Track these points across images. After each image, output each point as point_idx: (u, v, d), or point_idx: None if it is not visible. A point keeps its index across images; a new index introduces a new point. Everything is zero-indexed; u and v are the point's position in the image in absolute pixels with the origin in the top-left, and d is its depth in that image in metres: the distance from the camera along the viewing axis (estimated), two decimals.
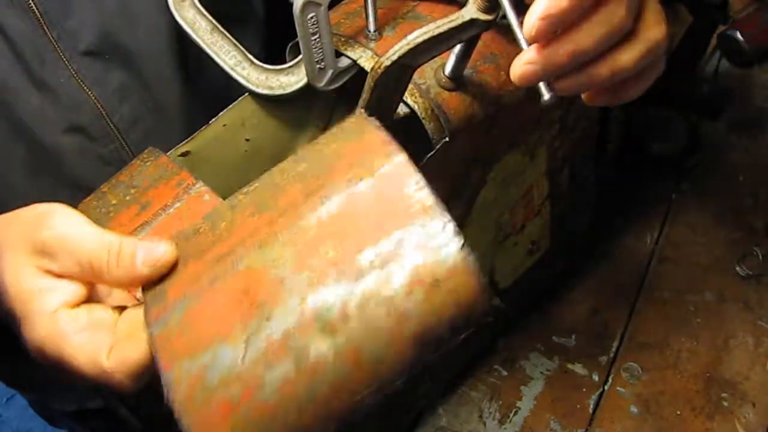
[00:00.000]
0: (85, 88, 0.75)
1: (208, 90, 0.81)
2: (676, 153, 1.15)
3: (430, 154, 0.64)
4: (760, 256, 1.04)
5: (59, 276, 0.49)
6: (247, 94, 0.72)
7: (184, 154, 0.70)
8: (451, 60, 0.62)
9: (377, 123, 0.48)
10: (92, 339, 0.47)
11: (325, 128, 0.81)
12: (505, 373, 1.00)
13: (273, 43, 0.90)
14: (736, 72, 1.26)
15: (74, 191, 0.71)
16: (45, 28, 0.72)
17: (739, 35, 1.21)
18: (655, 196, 1.13)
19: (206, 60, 0.74)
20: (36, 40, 0.72)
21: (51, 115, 0.75)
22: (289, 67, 0.71)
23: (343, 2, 0.71)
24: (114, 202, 0.61)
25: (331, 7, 0.63)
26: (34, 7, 0.71)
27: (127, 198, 0.61)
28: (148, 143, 0.75)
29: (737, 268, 1.04)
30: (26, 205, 0.62)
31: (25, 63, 0.72)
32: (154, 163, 0.63)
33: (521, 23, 0.49)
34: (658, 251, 1.08)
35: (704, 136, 1.18)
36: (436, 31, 0.53)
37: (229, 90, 0.74)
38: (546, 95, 0.51)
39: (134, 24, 0.75)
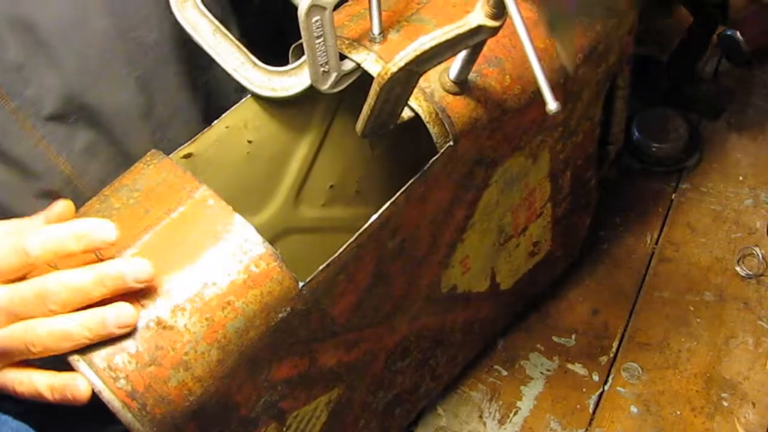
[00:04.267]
0: (53, 153, 0.72)
1: (176, 141, 0.80)
2: (676, 153, 1.15)
3: (434, 158, 0.64)
4: (760, 256, 1.04)
5: None
6: (249, 95, 0.72)
7: (186, 156, 0.70)
8: (455, 64, 0.62)
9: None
10: None
11: (327, 130, 0.81)
12: (505, 373, 1.00)
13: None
14: (736, 72, 1.26)
15: None
16: (4, 99, 0.69)
17: (739, 35, 1.21)
18: (655, 196, 1.14)
19: (174, 110, 0.73)
20: None
21: (19, 185, 0.72)
22: (293, 69, 0.70)
23: (347, 4, 0.71)
24: (117, 205, 0.61)
25: (335, 9, 0.62)
26: None
27: (131, 201, 0.60)
28: None
29: (737, 268, 1.04)
30: None
31: None
32: (157, 166, 0.63)
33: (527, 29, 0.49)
34: (658, 251, 1.08)
35: (704, 136, 1.18)
36: (443, 38, 0.53)
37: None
38: (551, 104, 0.51)
39: (97, 81, 0.73)
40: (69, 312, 0.53)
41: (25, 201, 0.73)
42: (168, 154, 0.65)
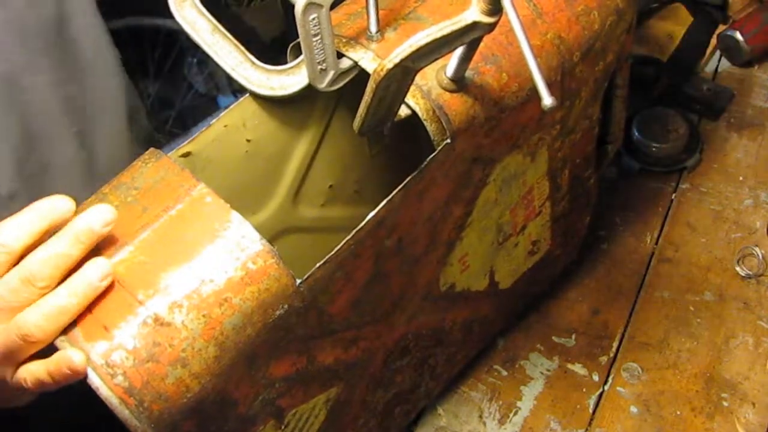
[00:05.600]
0: None
1: None
2: (675, 153, 1.15)
3: (431, 156, 0.64)
4: (760, 256, 1.04)
5: None
6: (248, 94, 0.72)
7: (185, 155, 0.70)
8: (452, 62, 0.62)
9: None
10: None
11: (325, 129, 0.81)
12: (505, 373, 1.00)
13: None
14: (736, 72, 1.26)
15: None
16: None
17: (739, 35, 1.22)
18: (655, 196, 1.14)
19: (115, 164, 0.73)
20: None
21: None
22: (290, 67, 0.71)
23: (344, 3, 0.71)
24: (115, 203, 0.60)
25: (332, 8, 0.63)
26: None
27: (129, 199, 0.60)
28: None
29: (737, 268, 1.04)
30: None
31: None
32: (155, 164, 0.63)
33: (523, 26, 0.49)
34: (658, 251, 1.08)
35: (704, 136, 1.18)
36: (439, 34, 0.53)
37: None
38: (546, 100, 0.51)
39: (41, 143, 0.74)
40: (57, 284, 0.54)
41: None
42: None
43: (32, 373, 0.55)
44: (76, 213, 0.61)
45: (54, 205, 0.55)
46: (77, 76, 0.77)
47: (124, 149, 0.83)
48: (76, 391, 0.55)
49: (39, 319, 0.53)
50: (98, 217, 0.54)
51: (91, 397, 0.54)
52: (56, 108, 0.76)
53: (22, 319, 0.53)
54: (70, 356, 0.53)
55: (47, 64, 0.74)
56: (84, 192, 0.70)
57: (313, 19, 0.62)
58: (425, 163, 0.63)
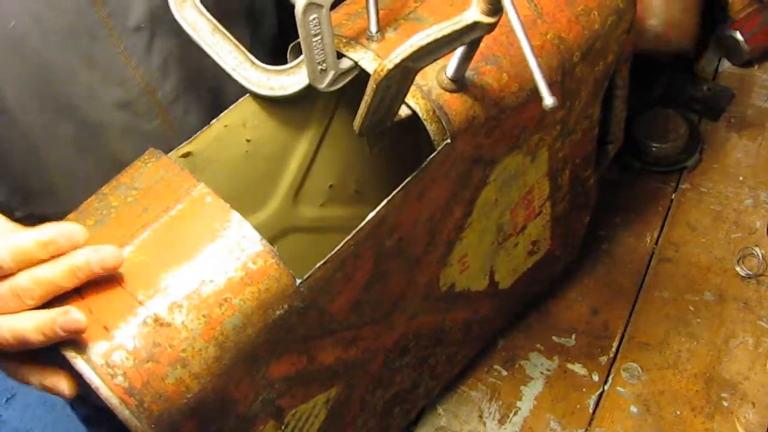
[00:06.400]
0: (133, 64, 0.77)
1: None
2: (676, 153, 1.15)
3: (431, 156, 0.64)
4: (760, 256, 1.04)
5: None
6: (248, 94, 0.72)
7: (185, 155, 0.70)
8: (453, 62, 0.62)
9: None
10: None
11: (325, 129, 0.81)
12: (505, 373, 1.00)
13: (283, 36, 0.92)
14: (736, 72, 1.26)
15: (118, 169, 0.73)
16: (98, 4, 0.72)
17: (739, 35, 1.22)
18: (655, 196, 1.14)
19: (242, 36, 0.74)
20: (89, 17, 0.72)
21: (99, 92, 0.77)
22: (291, 68, 0.71)
23: (344, 3, 0.71)
24: (115, 203, 0.61)
25: (332, 8, 0.63)
26: None
27: (129, 200, 0.60)
28: (189, 118, 0.84)
29: (737, 268, 1.04)
30: (71, 184, 0.77)
31: (76, 40, 0.73)
32: (155, 164, 0.63)
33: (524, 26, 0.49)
34: (658, 251, 1.08)
35: (704, 136, 1.18)
36: (439, 34, 0.53)
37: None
38: (547, 100, 0.51)
39: None
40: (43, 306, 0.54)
41: (102, 108, 0.78)
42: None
43: (14, 327, 0.54)
44: (77, 212, 0.62)
45: (59, 236, 0.54)
46: None
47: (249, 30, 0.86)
48: None
49: (30, 283, 0.53)
50: (99, 257, 0.54)
51: None
52: None
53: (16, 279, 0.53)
54: (72, 314, 0.52)
55: None
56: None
57: (314, 19, 0.62)
58: (425, 163, 0.63)
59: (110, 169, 0.78)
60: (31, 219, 0.80)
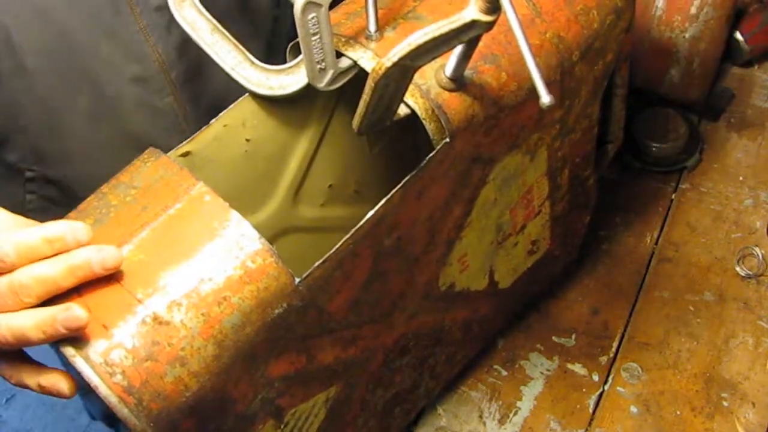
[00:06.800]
0: (152, 42, 0.80)
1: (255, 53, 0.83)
2: (676, 153, 1.15)
3: (430, 155, 0.64)
4: (760, 256, 1.04)
5: None
6: (247, 94, 0.72)
7: (184, 155, 0.70)
8: (451, 61, 0.62)
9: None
10: None
11: (325, 129, 0.81)
12: (505, 373, 1.00)
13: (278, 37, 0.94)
14: (736, 72, 1.26)
15: (129, 141, 0.79)
16: None
17: (739, 35, 1.22)
18: (655, 196, 1.14)
19: (259, 21, 0.78)
20: None
21: (118, 65, 0.80)
22: (290, 67, 0.71)
23: (343, 2, 0.71)
24: (114, 202, 0.61)
25: (331, 7, 0.63)
26: None
27: (128, 199, 0.61)
28: (201, 98, 0.87)
29: (737, 268, 1.04)
30: (84, 151, 0.81)
31: (100, 14, 0.76)
32: (154, 163, 0.63)
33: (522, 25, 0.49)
34: (658, 251, 1.08)
35: (704, 136, 1.18)
36: (438, 33, 0.53)
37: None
38: (545, 98, 0.51)
39: None
40: (42, 304, 0.54)
41: (119, 81, 0.81)
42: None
43: (13, 325, 0.54)
44: (77, 211, 0.62)
45: (66, 233, 0.54)
46: None
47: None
48: None
49: (29, 281, 0.53)
50: (100, 257, 0.54)
51: None
52: None
53: (15, 276, 0.53)
54: (72, 311, 0.52)
55: None
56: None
57: (312, 18, 0.62)
58: (424, 162, 0.63)
59: (122, 139, 0.84)
60: (42, 181, 0.83)
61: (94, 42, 0.78)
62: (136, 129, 0.85)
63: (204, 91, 0.87)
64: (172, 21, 0.77)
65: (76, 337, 0.53)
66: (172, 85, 0.84)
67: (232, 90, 0.72)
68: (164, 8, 0.76)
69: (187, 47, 0.82)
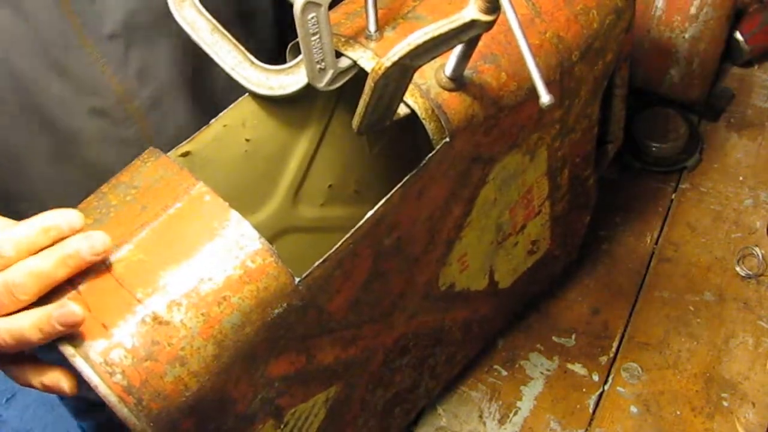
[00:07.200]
0: (108, 72, 0.76)
1: (221, 73, 0.82)
2: (676, 153, 1.15)
3: (430, 155, 0.64)
4: (760, 256, 1.04)
5: None
6: (247, 94, 0.72)
7: (184, 155, 0.70)
8: (451, 60, 0.62)
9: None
10: None
11: (325, 129, 0.81)
12: (505, 373, 1.00)
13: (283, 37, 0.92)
14: (736, 72, 1.26)
15: (96, 175, 0.73)
16: (71, 13, 0.71)
17: (739, 35, 1.22)
18: (655, 196, 1.14)
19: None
20: (61, 27, 0.71)
21: (73, 100, 0.76)
22: (290, 67, 0.71)
23: (343, 2, 0.71)
24: (114, 202, 0.61)
25: (331, 7, 0.63)
26: None
27: (128, 198, 0.61)
28: (167, 124, 0.82)
29: (737, 268, 1.04)
30: (51, 190, 0.77)
31: (48, 50, 0.72)
32: (154, 163, 0.63)
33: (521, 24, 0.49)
34: (658, 251, 1.08)
35: (704, 136, 1.18)
36: (437, 32, 0.53)
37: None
38: (544, 98, 0.51)
39: (158, 2, 0.74)
40: (39, 300, 0.54)
41: (77, 117, 0.77)
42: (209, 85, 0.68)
43: (11, 327, 0.54)
44: (79, 210, 0.62)
45: (61, 221, 0.55)
46: None
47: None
48: None
49: (23, 277, 0.53)
50: (89, 244, 0.54)
51: None
52: None
53: (9, 274, 0.53)
54: (69, 307, 0.52)
55: None
56: (187, 59, 0.75)
57: (312, 18, 0.62)
58: (424, 162, 0.63)
59: (89, 175, 0.79)
60: (10, 218, 0.81)
61: (44, 79, 0.73)
62: (102, 163, 0.80)
63: (169, 118, 0.83)
64: (129, 48, 0.76)
65: (76, 337, 0.53)
66: (136, 114, 0.80)
67: (198, 114, 0.71)
68: (118, 36, 0.74)
69: (148, 74, 0.79)
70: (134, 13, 0.75)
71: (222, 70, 0.75)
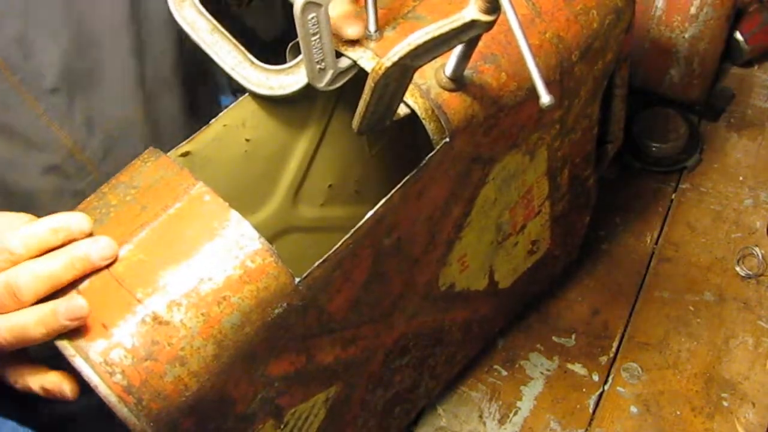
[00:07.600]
0: (55, 125, 0.74)
1: (171, 110, 0.81)
2: (676, 153, 1.15)
3: (430, 155, 0.64)
4: (760, 256, 1.04)
5: None
6: (247, 94, 0.72)
7: (184, 154, 0.70)
8: (451, 60, 0.62)
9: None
10: None
11: (325, 129, 0.81)
12: (505, 373, 1.00)
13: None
14: (736, 72, 1.26)
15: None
16: (7, 73, 0.70)
17: (739, 35, 1.22)
18: (655, 196, 1.14)
19: (165, 79, 0.73)
20: None
21: (24, 160, 0.74)
22: (290, 67, 0.71)
23: None
24: (114, 202, 0.61)
25: None
26: None
27: (128, 198, 0.61)
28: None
29: (737, 268, 1.04)
30: None
31: None
32: (154, 163, 0.63)
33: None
34: (658, 251, 1.08)
35: (704, 136, 1.18)
36: (437, 32, 0.53)
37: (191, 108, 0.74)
38: (544, 98, 0.51)
39: (93, 48, 0.74)
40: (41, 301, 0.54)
41: (30, 177, 0.75)
42: (160, 123, 0.65)
43: (13, 325, 0.54)
44: (78, 210, 0.62)
45: (71, 223, 0.55)
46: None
47: (172, 70, 0.84)
48: None
49: (28, 279, 0.53)
50: (98, 249, 0.54)
51: None
52: (116, 20, 0.77)
53: (12, 274, 0.53)
54: (76, 301, 0.52)
55: None
56: (132, 101, 0.73)
57: (312, 18, 0.62)
58: (424, 162, 0.63)
59: None
60: None
61: None
62: None
63: (124, 161, 0.82)
64: (72, 99, 0.74)
65: (76, 337, 0.53)
66: (89, 164, 0.78)
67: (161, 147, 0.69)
68: (60, 89, 0.73)
69: (95, 123, 0.77)
70: (71, 62, 0.73)
71: (171, 104, 0.75)
